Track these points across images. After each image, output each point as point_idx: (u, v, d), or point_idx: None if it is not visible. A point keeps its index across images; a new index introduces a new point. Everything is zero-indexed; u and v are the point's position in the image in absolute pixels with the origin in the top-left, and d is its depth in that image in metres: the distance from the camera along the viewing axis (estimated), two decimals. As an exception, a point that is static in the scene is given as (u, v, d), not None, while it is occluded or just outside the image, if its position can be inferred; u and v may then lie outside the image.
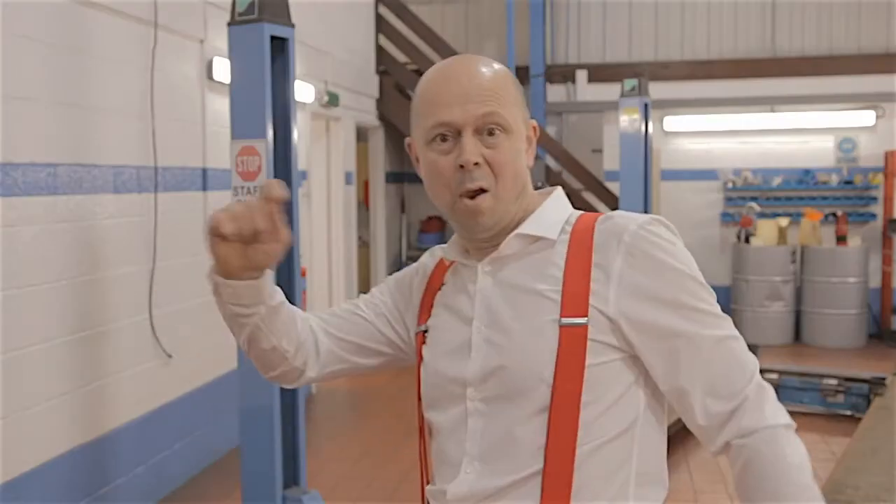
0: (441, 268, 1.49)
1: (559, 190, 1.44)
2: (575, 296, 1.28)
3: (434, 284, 1.49)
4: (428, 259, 1.54)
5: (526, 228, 1.36)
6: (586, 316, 1.27)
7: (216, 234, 1.25)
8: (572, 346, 1.26)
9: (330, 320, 1.55)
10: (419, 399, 1.45)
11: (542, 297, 1.30)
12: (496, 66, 1.37)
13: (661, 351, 1.28)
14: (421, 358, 1.45)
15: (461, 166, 1.30)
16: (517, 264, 1.36)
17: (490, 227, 1.35)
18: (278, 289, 1.44)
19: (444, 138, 1.33)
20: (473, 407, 1.33)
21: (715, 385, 1.27)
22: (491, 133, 1.31)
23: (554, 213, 1.38)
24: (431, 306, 1.47)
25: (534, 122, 1.42)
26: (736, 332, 1.31)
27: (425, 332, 1.45)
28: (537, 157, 1.46)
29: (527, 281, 1.33)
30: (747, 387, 1.26)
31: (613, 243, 1.29)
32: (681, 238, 1.34)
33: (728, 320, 1.31)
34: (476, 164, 1.30)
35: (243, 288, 1.33)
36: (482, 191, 1.31)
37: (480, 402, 1.33)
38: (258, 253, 1.27)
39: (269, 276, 1.38)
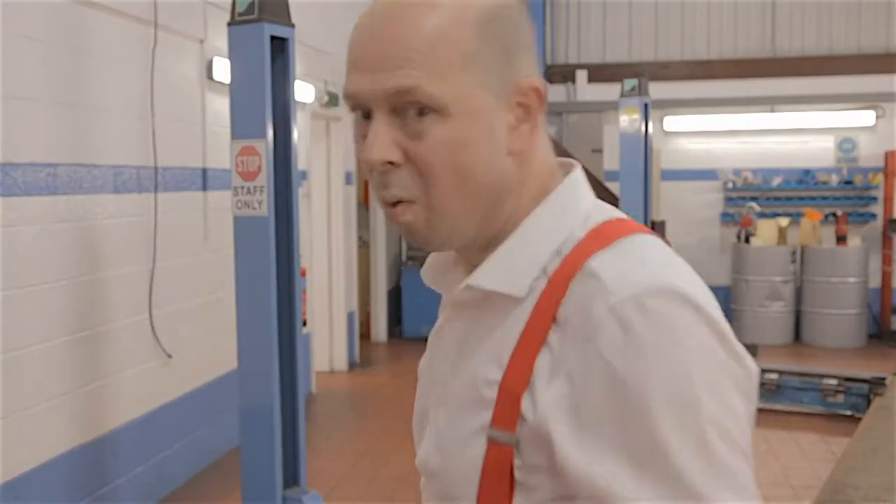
0: None
1: (568, 183, 0.93)
2: (511, 394, 0.85)
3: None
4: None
5: (478, 277, 0.90)
6: (514, 431, 0.85)
7: None
8: (497, 468, 0.87)
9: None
10: None
11: (483, 384, 0.89)
12: (436, 10, 0.85)
13: None
14: None
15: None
16: (480, 319, 0.92)
17: (435, 243, 0.92)
18: None
19: (365, 115, 0.89)
20: None
21: None
22: (421, 113, 0.85)
23: (539, 237, 0.90)
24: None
25: (533, 81, 0.89)
26: None
27: None
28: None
29: (478, 350, 0.91)
30: None
31: (576, 322, 0.83)
32: (704, 317, 0.81)
33: (729, 487, 0.77)
34: (391, 163, 0.86)
35: None
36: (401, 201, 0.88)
37: (435, 500, 0.97)
38: None
39: None
